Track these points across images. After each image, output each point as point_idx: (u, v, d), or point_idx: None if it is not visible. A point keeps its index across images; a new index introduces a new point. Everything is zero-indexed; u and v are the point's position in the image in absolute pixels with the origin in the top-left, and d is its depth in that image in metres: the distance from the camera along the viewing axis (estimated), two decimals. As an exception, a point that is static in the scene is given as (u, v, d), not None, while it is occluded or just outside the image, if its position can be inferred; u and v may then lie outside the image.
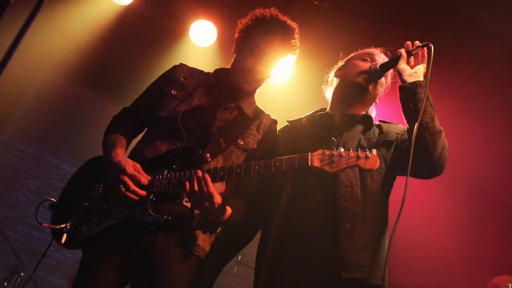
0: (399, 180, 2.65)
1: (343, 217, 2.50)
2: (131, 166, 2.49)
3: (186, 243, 2.53)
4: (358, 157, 2.31)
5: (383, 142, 2.69)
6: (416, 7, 4.49)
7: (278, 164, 2.37)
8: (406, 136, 2.65)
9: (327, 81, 3.02)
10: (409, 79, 2.52)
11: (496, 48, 4.52)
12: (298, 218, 2.58)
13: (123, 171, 2.46)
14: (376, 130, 2.77)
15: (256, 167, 2.41)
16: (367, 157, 2.31)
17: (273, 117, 2.90)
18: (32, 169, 6.96)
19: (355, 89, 2.79)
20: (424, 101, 2.43)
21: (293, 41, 2.79)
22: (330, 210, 2.53)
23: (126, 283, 2.56)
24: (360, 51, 2.95)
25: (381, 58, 2.85)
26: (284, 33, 2.76)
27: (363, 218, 2.52)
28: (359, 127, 2.75)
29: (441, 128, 2.51)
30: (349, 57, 2.98)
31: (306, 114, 2.94)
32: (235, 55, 2.89)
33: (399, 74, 2.57)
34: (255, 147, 2.75)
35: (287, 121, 2.96)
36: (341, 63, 3.00)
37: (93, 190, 2.63)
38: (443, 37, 4.63)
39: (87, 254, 2.58)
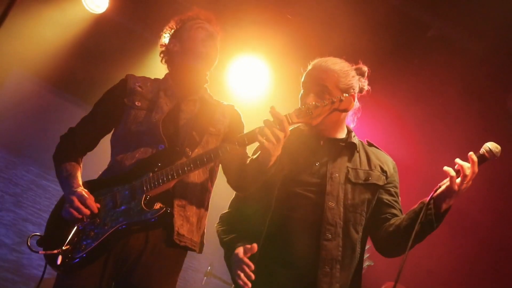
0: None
1: (324, 259, 2.51)
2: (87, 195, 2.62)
3: (170, 236, 2.63)
4: (333, 102, 2.40)
5: (371, 184, 2.66)
6: (386, 23, 4.56)
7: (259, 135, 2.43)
8: (391, 189, 2.69)
9: None
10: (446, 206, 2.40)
11: (462, 66, 4.62)
12: (281, 246, 2.55)
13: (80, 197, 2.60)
14: (363, 157, 2.74)
15: (240, 140, 2.54)
16: (341, 100, 2.41)
17: (227, 103, 3.05)
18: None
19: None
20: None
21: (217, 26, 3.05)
22: (313, 246, 2.54)
23: None
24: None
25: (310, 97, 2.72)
26: (211, 20, 3.04)
27: (341, 262, 2.54)
28: (344, 155, 2.71)
29: None
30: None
31: (293, 126, 2.88)
32: (177, 55, 2.98)
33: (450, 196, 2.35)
34: (227, 130, 2.91)
35: None
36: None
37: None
38: (412, 53, 4.73)
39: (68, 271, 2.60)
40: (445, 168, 2.33)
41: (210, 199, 2.91)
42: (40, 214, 6.93)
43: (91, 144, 2.95)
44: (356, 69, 2.80)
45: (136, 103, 2.84)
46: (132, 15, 5.65)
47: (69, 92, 6.82)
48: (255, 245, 2.44)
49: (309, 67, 2.80)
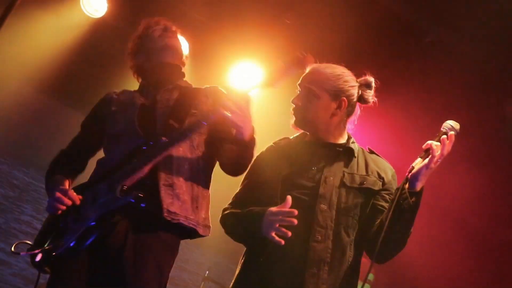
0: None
1: (312, 260, 2.52)
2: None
3: (159, 216, 2.57)
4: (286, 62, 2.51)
5: (366, 188, 2.66)
6: (384, 28, 4.58)
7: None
8: (387, 196, 2.67)
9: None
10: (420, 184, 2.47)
11: (460, 71, 4.63)
12: (276, 246, 2.49)
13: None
14: (361, 162, 2.75)
15: (204, 114, 2.57)
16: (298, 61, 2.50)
17: (209, 86, 3.03)
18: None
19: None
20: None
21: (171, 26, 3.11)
22: (303, 247, 2.54)
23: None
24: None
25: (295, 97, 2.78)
26: (165, 21, 3.11)
27: (329, 264, 2.53)
28: (341, 160, 2.71)
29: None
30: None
31: (295, 135, 2.88)
32: (146, 63, 3.01)
33: (424, 173, 2.43)
34: (210, 108, 2.83)
35: (273, 143, 2.87)
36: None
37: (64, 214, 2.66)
38: (410, 59, 4.75)
39: (55, 273, 2.61)
40: (430, 142, 2.41)
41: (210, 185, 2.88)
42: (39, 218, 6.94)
43: (80, 165, 2.99)
44: (361, 80, 2.80)
45: (112, 108, 2.90)
46: (131, 19, 5.65)
47: (68, 97, 6.83)
48: (289, 197, 2.44)
49: (306, 70, 2.83)
